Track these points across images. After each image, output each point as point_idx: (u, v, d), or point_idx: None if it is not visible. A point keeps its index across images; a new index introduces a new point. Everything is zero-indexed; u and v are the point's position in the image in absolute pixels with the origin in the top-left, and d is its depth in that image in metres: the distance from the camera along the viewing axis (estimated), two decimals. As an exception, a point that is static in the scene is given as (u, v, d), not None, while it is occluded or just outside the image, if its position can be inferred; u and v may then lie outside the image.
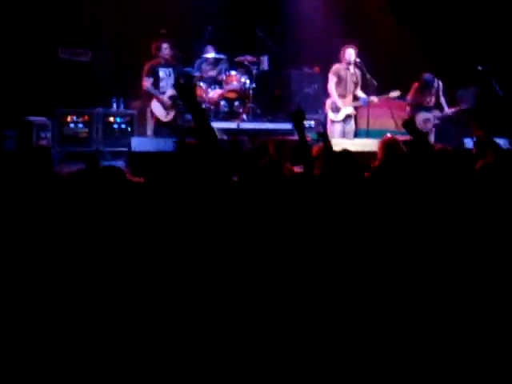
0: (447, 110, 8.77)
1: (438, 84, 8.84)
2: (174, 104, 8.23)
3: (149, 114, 8.36)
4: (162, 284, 2.94)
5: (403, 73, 10.67)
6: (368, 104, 8.44)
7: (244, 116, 9.83)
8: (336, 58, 8.52)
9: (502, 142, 7.36)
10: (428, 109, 8.81)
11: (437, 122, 8.79)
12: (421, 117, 8.81)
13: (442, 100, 8.85)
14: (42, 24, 9.17)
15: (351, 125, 8.38)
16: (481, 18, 10.73)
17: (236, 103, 9.81)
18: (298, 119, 4.42)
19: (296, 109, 4.69)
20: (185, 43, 9.97)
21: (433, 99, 8.83)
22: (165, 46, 8.32)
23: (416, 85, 8.89)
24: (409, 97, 8.88)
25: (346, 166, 4.07)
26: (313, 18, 11.21)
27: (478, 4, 10.70)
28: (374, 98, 8.33)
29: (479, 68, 8.96)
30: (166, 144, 6.19)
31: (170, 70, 8.36)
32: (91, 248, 3.00)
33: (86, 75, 9.32)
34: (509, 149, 7.45)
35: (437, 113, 8.78)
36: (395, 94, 8.41)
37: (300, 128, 4.38)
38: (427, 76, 8.83)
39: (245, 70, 10.13)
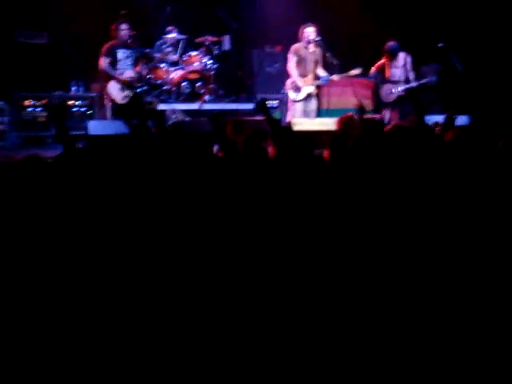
0: (412, 83, 8.80)
1: (406, 57, 8.86)
2: (131, 85, 8.10)
3: (106, 97, 8.23)
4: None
5: (365, 51, 10.70)
6: (329, 82, 8.39)
7: (206, 97, 9.76)
8: (296, 37, 8.46)
9: (463, 118, 7.43)
10: (394, 82, 8.85)
11: (401, 94, 8.80)
12: (384, 88, 8.87)
13: (410, 74, 8.89)
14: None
15: (313, 103, 8.34)
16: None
17: (198, 84, 9.71)
18: (262, 108, 4.44)
19: (258, 101, 4.70)
20: (145, 24, 9.86)
21: (398, 72, 8.86)
22: (124, 26, 8.17)
23: (382, 58, 8.94)
24: (373, 68, 8.95)
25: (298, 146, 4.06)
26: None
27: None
28: (335, 77, 8.26)
29: (439, 45, 9.01)
30: (121, 126, 6.12)
31: (129, 51, 8.21)
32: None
33: (44, 58, 9.17)
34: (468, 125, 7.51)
35: (401, 85, 8.82)
36: (356, 71, 8.37)
37: (267, 114, 4.39)
38: (391, 43, 8.83)
39: (206, 50, 10.05)
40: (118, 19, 8.43)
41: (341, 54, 8.62)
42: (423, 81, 8.89)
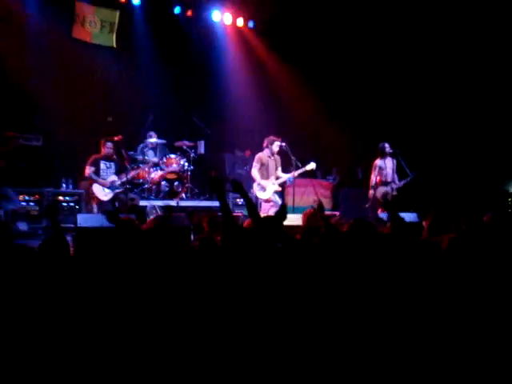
0: (399, 183, 9.74)
1: (393, 160, 9.75)
2: (112, 188, 9.34)
3: (91, 195, 9.34)
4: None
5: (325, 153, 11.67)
6: (293, 182, 9.30)
7: (183, 195, 10.76)
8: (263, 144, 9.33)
9: (411, 215, 8.20)
10: (387, 184, 9.72)
11: (395, 193, 9.67)
12: (380, 190, 9.68)
13: (396, 176, 9.81)
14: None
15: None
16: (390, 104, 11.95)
17: (176, 183, 10.72)
18: (215, 186, 4.36)
19: (213, 176, 4.63)
20: (129, 130, 10.90)
21: (391, 173, 9.73)
22: (109, 145, 9.34)
23: (375, 163, 9.74)
24: (372, 176, 9.71)
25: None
26: (246, 108, 12.34)
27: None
28: (295, 173, 9.16)
29: (391, 151, 9.80)
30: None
31: (111, 163, 9.43)
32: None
33: (38, 158, 10.10)
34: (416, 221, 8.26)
35: (394, 185, 9.71)
36: (311, 166, 9.29)
37: (220, 195, 4.24)
38: (385, 144, 9.75)
39: (183, 153, 11.12)
40: (107, 137, 9.44)
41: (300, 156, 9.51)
42: (406, 180, 9.71)
